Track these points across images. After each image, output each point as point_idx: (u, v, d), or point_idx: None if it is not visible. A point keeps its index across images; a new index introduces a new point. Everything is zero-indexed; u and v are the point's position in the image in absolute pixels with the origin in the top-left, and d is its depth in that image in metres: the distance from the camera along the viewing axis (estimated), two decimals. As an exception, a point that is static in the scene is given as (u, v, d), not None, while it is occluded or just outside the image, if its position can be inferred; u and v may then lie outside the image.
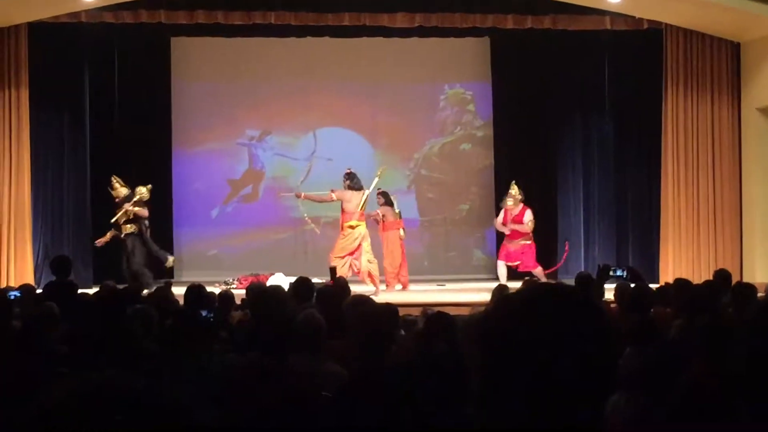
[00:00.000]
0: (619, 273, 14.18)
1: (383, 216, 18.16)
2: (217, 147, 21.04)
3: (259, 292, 9.76)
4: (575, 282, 11.58)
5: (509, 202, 18.30)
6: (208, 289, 10.55)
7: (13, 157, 18.57)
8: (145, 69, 20.22)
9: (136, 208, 17.85)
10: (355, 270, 17.33)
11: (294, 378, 4.18)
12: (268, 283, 15.63)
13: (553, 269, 18.91)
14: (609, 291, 11.89)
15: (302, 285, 9.85)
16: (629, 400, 5.06)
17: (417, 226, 21.32)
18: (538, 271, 17.98)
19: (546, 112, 20.64)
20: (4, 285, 16.83)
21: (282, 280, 16.29)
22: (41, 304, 9.20)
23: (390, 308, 7.00)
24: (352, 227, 17.67)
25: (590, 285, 10.78)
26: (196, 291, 9.72)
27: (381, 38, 20.24)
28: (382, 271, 17.68)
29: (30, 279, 17.54)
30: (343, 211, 17.83)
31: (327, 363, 5.90)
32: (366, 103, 21.14)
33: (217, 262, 20.70)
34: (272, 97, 21.01)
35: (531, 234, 18.20)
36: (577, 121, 20.53)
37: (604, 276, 11.65)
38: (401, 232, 18.26)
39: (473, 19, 19.18)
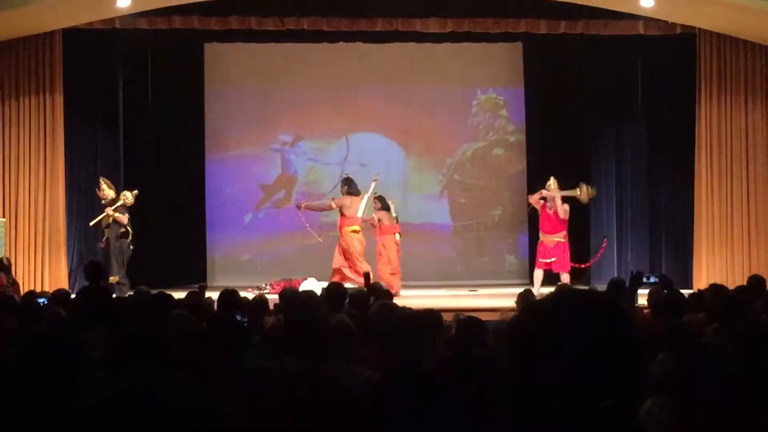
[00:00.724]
0: (652, 280, 14.16)
1: (379, 220, 18.21)
2: (250, 152, 21.11)
3: (292, 297, 9.78)
4: (608, 287, 11.54)
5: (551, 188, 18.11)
6: (241, 294, 10.57)
7: (48, 163, 18.68)
8: (178, 75, 20.34)
9: (117, 214, 17.77)
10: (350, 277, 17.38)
11: (325, 383, 4.19)
12: (301, 288, 15.65)
13: (588, 264, 18.84)
14: (642, 297, 11.84)
15: (335, 290, 9.86)
16: (663, 405, 5.04)
17: (449, 231, 21.33)
18: (566, 278, 17.80)
19: (579, 117, 20.58)
20: (39, 290, 16.91)
21: (314, 285, 16.33)
22: (74, 308, 9.25)
23: (432, 314, 7.00)
24: (356, 232, 17.74)
25: (623, 291, 10.75)
26: (229, 296, 9.74)
27: (413, 43, 20.25)
28: (376, 276, 17.65)
29: (65, 284, 17.64)
30: (342, 215, 17.87)
31: (358, 368, 5.91)
32: (398, 108, 21.15)
33: (249, 267, 20.76)
34: (305, 102, 21.05)
35: (566, 233, 18.02)
36: (610, 126, 20.47)
37: (636, 282, 11.63)
38: (397, 236, 18.27)
39: (506, 24, 19.16)
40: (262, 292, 17.00)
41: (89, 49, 19.03)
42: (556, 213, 17.83)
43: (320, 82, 21.03)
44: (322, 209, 18.54)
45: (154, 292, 10.90)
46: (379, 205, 18.34)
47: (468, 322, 7.10)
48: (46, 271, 18.65)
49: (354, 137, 21.32)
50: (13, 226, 18.55)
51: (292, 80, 21.09)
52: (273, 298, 12.21)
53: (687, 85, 19.41)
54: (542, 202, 18.02)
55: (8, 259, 16.30)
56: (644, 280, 13.36)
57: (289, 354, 5.86)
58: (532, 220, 20.86)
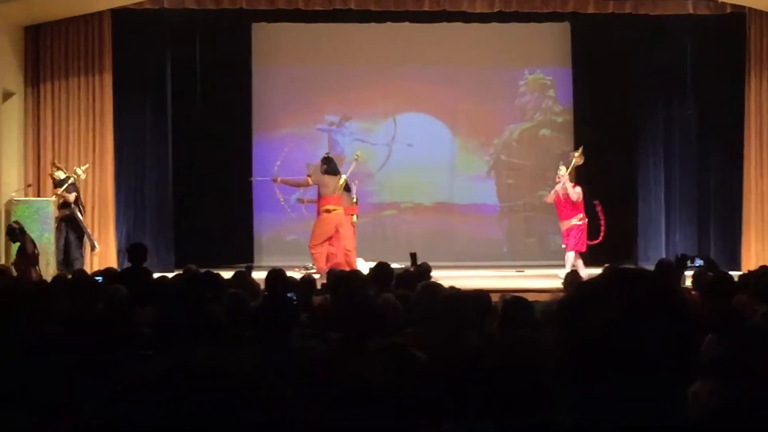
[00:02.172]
0: (697, 262, 14.09)
1: None
2: (297, 132, 21.13)
3: (339, 276, 9.82)
4: (655, 269, 11.49)
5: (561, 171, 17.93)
6: (288, 273, 10.62)
7: (97, 143, 18.83)
8: (226, 55, 20.40)
9: (64, 193, 17.70)
10: (332, 256, 17.28)
11: (373, 361, 4.20)
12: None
13: (599, 239, 18.68)
14: (688, 278, 11.79)
15: (382, 270, 9.87)
16: (711, 388, 5.02)
17: (496, 212, 21.30)
18: (572, 258, 17.50)
19: (627, 97, 20.45)
20: (88, 270, 17.06)
21: (361, 265, 16.34)
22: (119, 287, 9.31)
23: (479, 294, 6.99)
24: (329, 211, 17.63)
25: (670, 272, 10.69)
26: (277, 275, 9.78)
27: (461, 23, 20.19)
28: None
29: (113, 263, 17.78)
30: (319, 195, 17.74)
31: (407, 347, 5.92)
32: (446, 88, 21.10)
33: (296, 247, 20.77)
34: (352, 82, 21.06)
35: (583, 214, 17.84)
36: (659, 106, 20.32)
37: (682, 265, 11.58)
38: (354, 218, 18.17)
39: (553, 4, 19.09)
40: (309, 271, 17.04)
41: (138, 30, 19.12)
42: (567, 198, 17.68)
43: (367, 62, 21.02)
44: (298, 185, 18.35)
45: (202, 271, 10.98)
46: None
47: (513, 301, 7.10)
48: (96, 250, 18.80)
49: (401, 117, 21.30)
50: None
51: (339, 60, 21.09)
52: (320, 277, 12.25)
53: (736, 66, 19.25)
54: (555, 194, 17.88)
55: (16, 223, 16.09)
56: (690, 262, 13.30)
57: (337, 332, 5.90)
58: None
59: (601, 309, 1.89)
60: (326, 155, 18.02)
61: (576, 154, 18.11)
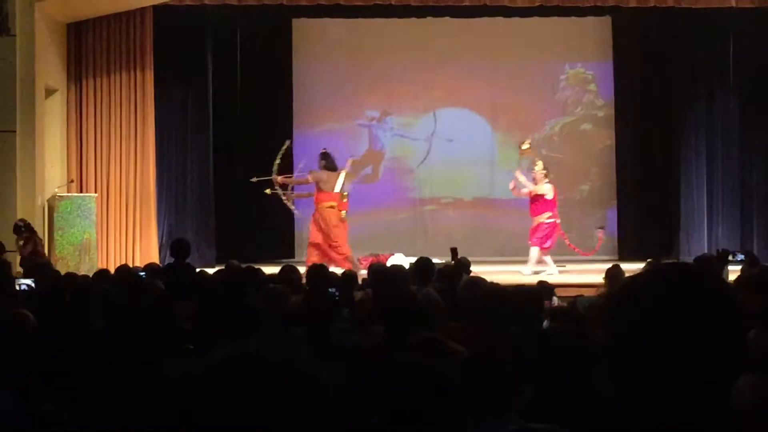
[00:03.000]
0: (739, 257, 13.99)
1: None
2: (338, 127, 21.16)
3: (381, 271, 9.83)
4: (694, 264, 11.43)
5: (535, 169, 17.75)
6: (330, 268, 10.64)
7: (139, 138, 18.94)
8: (267, 50, 20.45)
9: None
10: (331, 256, 17.29)
11: (416, 355, 4.21)
12: (388, 263, 15.68)
13: (590, 253, 18.60)
14: (733, 273, 11.71)
15: (423, 265, 9.87)
16: (758, 383, 4.98)
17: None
18: (536, 254, 17.35)
19: (669, 91, 20.35)
20: (130, 264, 17.17)
21: (402, 260, 16.33)
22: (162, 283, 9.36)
23: (534, 290, 6.98)
24: (332, 207, 17.62)
25: (710, 267, 10.63)
26: (319, 270, 9.80)
27: (501, 18, 20.16)
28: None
29: (155, 258, 17.87)
30: (319, 191, 17.71)
31: (448, 341, 5.92)
32: (486, 83, 21.06)
33: (337, 242, 20.83)
34: (392, 77, 21.05)
35: (552, 213, 17.71)
36: (701, 100, 20.20)
37: (723, 260, 11.51)
38: (343, 213, 18.12)
39: (595, -2, 19.05)
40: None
41: (179, 26, 19.21)
42: (536, 194, 17.57)
43: (407, 58, 21.00)
44: (299, 183, 18.36)
45: (243, 266, 11.02)
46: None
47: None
48: (137, 246, 18.94)
49: (441, 112, 21.28)
50: (105, 202, 18.84)
51: (379, 55, 21.10)
52: (361, 273, 12.27)
53: (779, 59, 19.13)
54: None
55: (22, 221, 15.85)
56: (731, 257, 13.22)
57: (379, 327, 5.90)
58: (622, 194, 20.75)
59: (650, 305, 1.88)
60: (324, 150, 18.02)
61: (523, 147, 18.00)
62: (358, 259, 18.79)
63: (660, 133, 20.40)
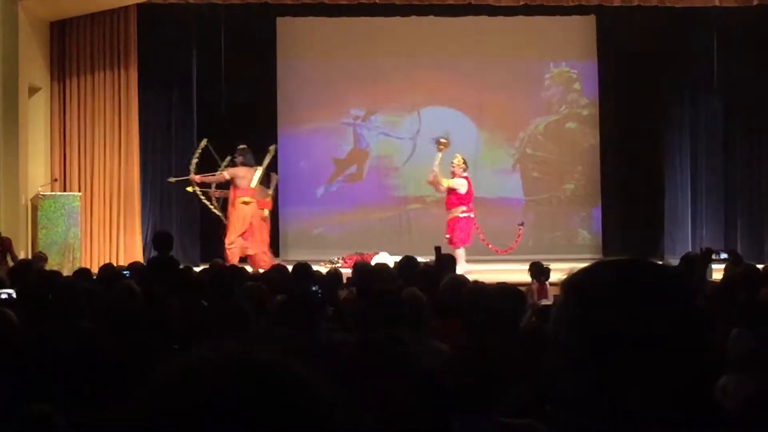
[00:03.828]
0: (723, 256, 14.03)
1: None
2: (323, 126, 21.16)
3: (365, 269, 9.83)
4: (680, 263, 11.45)
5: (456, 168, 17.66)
6: (314, 267, 10.63)
7: (123, 137, 18.92)
8: (251, 49, 20.42)
9: None
10: (245, 249, 17.32)
11: (400, 354, 4.22)
12: (373, 262, 15.68)
13: (506, 251, 18.60)
14: (717, 272, 11.76)
15: (407, 263, 9.88)
16: (739, 382, 5.00)
17: (522, 206, 21.25)
18: (459, 254, 17.26)
19: (653, 90, 20.37)
20: (114, 263, 17.14)
21: (386, 259, 16.34)
22: (149, 280, 9.34)
23: (515, 291, 6.97)
24: (246, 203, 17.66)
25: (696, 266, 10.66)
26: (303, 269, 9.80)
27: (486, 17, 20.19)
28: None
29: (139, 257, 17.84)
30: (235, 187, 17.73)
31: (430, 340, 5.93)
32: (471, 82, 21.07)
33: (321, 240, 20.84)
34: (377, 76, 21.06)
35: (468, 207, 17.72)
36: (685, 99, 20.23)
37: (707, 258, 11.54)
38: (266, 212, 18.18)
39: (579, -3, 19.08)
40: (334, 265, 17.06)
41: (163, 24, 19.19)
42: (450, 188, 17.56)
43: (392, 56, 21.01)
44: (217, 181, 18.34)
45: (227, 265, 11.01)
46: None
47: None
48: (121, 244, 18.91)
49: (426, 111, 21.29)
50: (89, 200, 18.82)
51: (364, 54, 21.10)
52: (346, 272, 12.26)
53: (763, 59, 19.18)
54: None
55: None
56: (715, 256, 13.26)
57: (363, 326, 5.90)
58: (606, 193, 20.77)
59: (600, 303, 1.84)
60: (241, 146, 18.03)
61: (442, 140, 18.00)
62: (343, 258, 18.81)
63: (644, 132, 20.43)
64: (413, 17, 20.24)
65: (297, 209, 20.97)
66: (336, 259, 18.83)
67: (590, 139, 21.24)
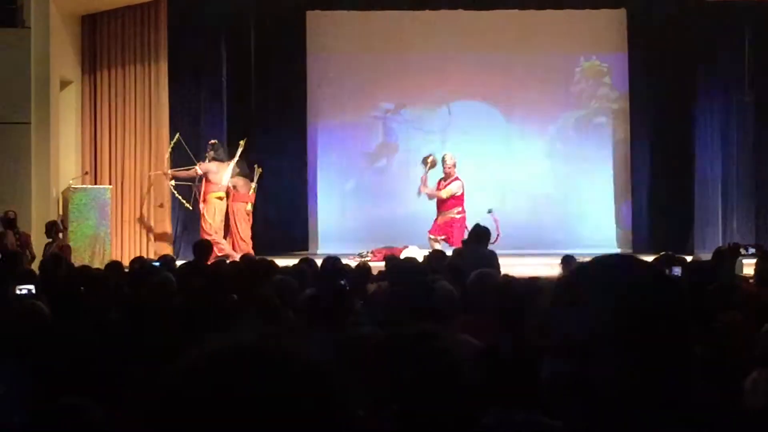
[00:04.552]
0: (750, 251, 13.98)
1: (234, 186, 18.23)
2: (352, 120, 21.16)
3: (397, 263, 9.84)
4: (712, 257, 11.41)
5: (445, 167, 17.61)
6: (343, 261, 10.64)
7: (153, 131, 18.97)
8: (281, 43, 20.45)
9: None
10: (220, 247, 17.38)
11: (431, 347, 4.21)
12: (402, 256, 15.68)
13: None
14: (749, 266, 11.71)
15: (436, 257, 9.88)
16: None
17: (551, 199, 21.20)
18: None
19: (684, 84, 20.27)
20: (145, 256, 17.23)
21: (415, 253, 16.32)
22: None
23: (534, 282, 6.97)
24: (220, 198, 17.78)
25: (725, 261, 10.62)
26: (332, 262, 9.82)
27: (516, 10, 20.14)
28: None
29: (169, 250, 17.94)
30: (208, 182, 17.85)
31: (460, 334, 5.92)
32: (500, 75, 21.02)
33: (351, 234, 20.81)
34: (407, 70, 21.03)
35: (462, 208, 17.72)
36: (717, 93, 20.13)
37: (734, 254, 11.51)
38: (248, 206, 18.20)
39: (610, -10, 19.02)
40: (364, 259, 17.06)
41: (193, 18, 19.24)
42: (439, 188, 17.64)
43: (422, 50, 20.98)
44: (189, 176, 18.44)
45: (258, 258, 11.04)
46: (237, 170, 18.34)
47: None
48: (151, 237, 18.98)
49: (456, 105, 21.26)
50: (120, 194, 18.89)
51: (394, 48, 21.07)
52: (375, 265, 12.26)
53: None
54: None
55: (8, 213, 15.66)
56: (743, 251, 13.21)
57: (393, 319, 5.90)
58: (636, 187, 20.69)
59: (584, 296, 1.84)
60: (213, 141, 18.16)
61: (429, 160, 17.96)
62: (372, 251, 18.79)
63: (675, 125, 20.34)
64: (443, 11, 20.21)
65: (326, 203, 20.99)
66: (365, 252, 18.81)
67: (620, 133, 21.16)
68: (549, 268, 16.93)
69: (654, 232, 20.16)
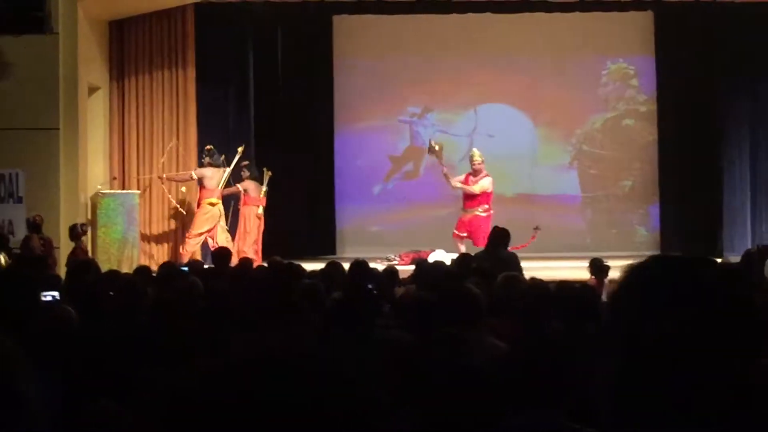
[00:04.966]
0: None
1: (245, 190, 18.19)
2: (379, 124, 21.19)
3: (427, 266, 9.84)
4: (741, 259, 11.36)
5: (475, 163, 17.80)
6: (371, 265, 10.64)
7: (181, 135, 19.02)
8: (308, 47, 20.52)
9: None
10: (211, 247, 17.37)
11: (458, 350, 4.21)
12: (430, 259, 15.67)
13: (518, 247, 18.53)
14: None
15: (463, 261, 9.88)
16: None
17: (579, 202, 21.19)
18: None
19: (712, 86, 20.20)
20: (175, 260, 17.28)
21: (443, 257, 16.32)
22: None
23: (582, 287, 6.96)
24: (212, 204, 17.79)
25: (754, 263, 10.58)
26: (360, 266, 9.82)
27: (542, 13, 20.10)
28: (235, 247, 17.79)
29: (197, 255, 17.97)
30: (202, 187, 17.94)
31: (487, 337, 5.92)
32: (527, 79, 21.01)
33: (378, 238, 20.84)
34: (434, 73, 21.03)
35: (489, 206, 17.75)
36: (744, 95, 20.04)
37: (763, 256, 11.44)
38: (260, 209, 18.20)
39: (636, -8, 18.97)
40: (391, 263, 17.06)
41: (221, 23, 19.29)
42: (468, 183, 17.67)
43: (449, 54, 20.98)
44: (183, 180, 18.51)
45: (285, 262, 11.04)
46: (247, 173, 18.35)
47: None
48: (179, 243, 19.04)
49: (482, 108, 21.26)
50: (148, 199, 18.95)
51: (420, 52, 21.08)
52: (402, 269, 12.26)
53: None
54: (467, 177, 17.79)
55: (35, 217, 15.71)
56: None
57: (422, 323, 5.91)
58: (664, 190, 20.62)
59: (645, 298, 1.81)
60: (208, 147, 18.21)
61: (435, 147, 18.23)
62: (399, 255, 18.78)
63: (703, 127, 20.26)
64: (470, 14, 20.20)
65: (354, 207, 21.02)
66: (392, 256, 18.83)
67: (648, 135, 21.11)
68: (577, 271, 16.91)
69: (682, 235, 20.07)
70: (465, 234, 17.62)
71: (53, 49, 16.54)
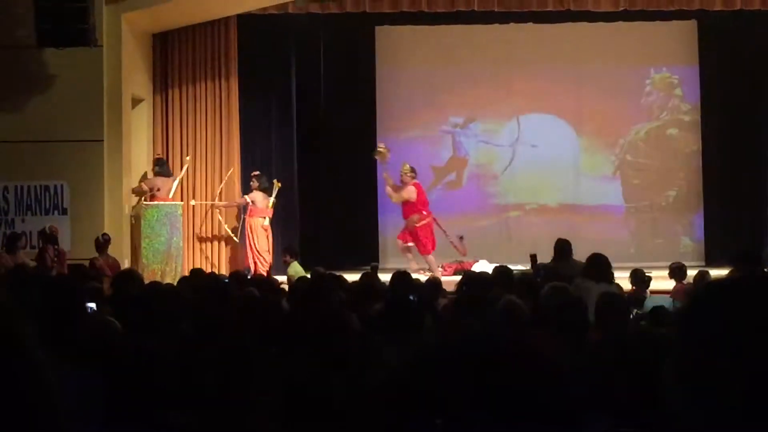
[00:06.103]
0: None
1: (252, 201, 18.27)
2: (421, 134, 21.18)
3: (472, 276, 9.82)
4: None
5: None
6: (413, 276, 10.64)
7: (224, 148, 19.12)
8: (350, 58, 20.55)
9: None
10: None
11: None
12: (474, 269, 15.66)
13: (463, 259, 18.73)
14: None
15: (503, 272, 9.86)
16: None
17: (622, 213, 21.08)
18: (430, 260, 17.91)
19: (756, 95, 20.08)
20: (217, 271, 17.39)
21: (486, 267, 16.28)
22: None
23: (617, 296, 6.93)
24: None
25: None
26: (402, 276, 9.82)
27: (585, 23, 20.06)
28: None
29: (240, 266, 18.06)
30: (151, 197, 17.97)
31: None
32: (570, 88, 20.94)
33: (421, 249, 20.81)
34: (476, 83, 21.01)
35: (425, 212, 18.29)
36: (789, 104, 19.93)
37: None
38: (266, 221, 18.29)
39: (679, 2, 18.85)
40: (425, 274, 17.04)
41: (263, 35, 19.38)
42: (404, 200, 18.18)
43: (491, 64, 20.96)
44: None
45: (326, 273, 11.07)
46: (256, 184, 18.36)
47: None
48: (222, 254, 19.12)
49: (525, 118, 21.19)
50: (191, 210, 19.04)
51: (462, 62, 21.06)
52: (445, 279, 12.25)
53: None
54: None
55: (51, 228, 15.84)
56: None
57: (462, 335, 5.89)
58: (709, 199, 20.49)
59: (731, 307, 1.78)
60: (157, 156, 18.31)
61: (380, 149, 18.80)
62: (442, 266, 18.75)
63: (747, 137, 20.15)
64: (512, 24, 20.18)
65: (396, 217, 20.98)
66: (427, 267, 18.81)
67: (692, 145, 20.98)
68: (622, 281, 16.81)
69: (727, 245, 19.89)
70: (411, 244, 18.33)
71: (97, 61, 16.68)
